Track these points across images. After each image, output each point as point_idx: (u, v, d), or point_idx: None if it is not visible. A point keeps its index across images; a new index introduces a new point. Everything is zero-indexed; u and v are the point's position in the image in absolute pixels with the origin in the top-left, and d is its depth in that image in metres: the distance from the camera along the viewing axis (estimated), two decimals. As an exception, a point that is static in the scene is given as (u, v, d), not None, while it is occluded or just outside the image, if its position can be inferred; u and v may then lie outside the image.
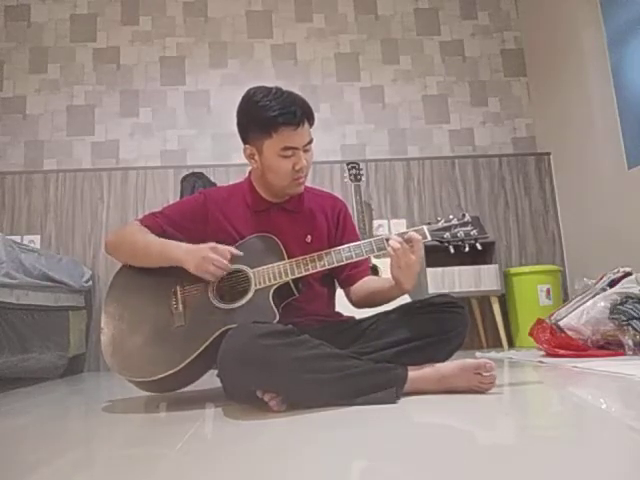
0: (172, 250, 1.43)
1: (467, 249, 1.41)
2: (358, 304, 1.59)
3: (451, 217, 1.41)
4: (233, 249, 1.42)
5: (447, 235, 1.38)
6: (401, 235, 1.35)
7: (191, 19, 3.58)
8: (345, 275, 1.59)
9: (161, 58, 3.53)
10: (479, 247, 1.41)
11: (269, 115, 1.38)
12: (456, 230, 1.38)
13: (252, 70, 3.52)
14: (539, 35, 3.50)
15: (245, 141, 1.50)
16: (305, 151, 1.45)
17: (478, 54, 3.66)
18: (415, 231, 1.36)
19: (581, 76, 3.05)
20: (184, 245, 1.43)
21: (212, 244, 1.40)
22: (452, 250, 1.41)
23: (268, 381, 1.21)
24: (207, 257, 1.37)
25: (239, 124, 1.49)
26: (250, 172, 1.61)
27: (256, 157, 1.48)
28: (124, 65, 3.50)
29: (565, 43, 3.19)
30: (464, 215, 1.41)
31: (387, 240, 1.36)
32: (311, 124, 1.46)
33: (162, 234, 1.52)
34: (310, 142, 1.46)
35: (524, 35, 3.68)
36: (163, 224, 1.53)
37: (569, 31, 3.13)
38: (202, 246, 1.40)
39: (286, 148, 1.41)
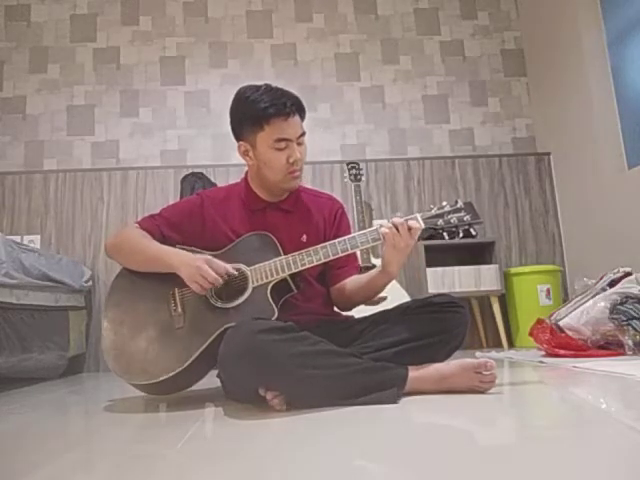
0: (168, 257, 1.43)
1: (461, 235, 1.42)
2: (340, 303, 1.60)
3: (444, 204, 1.42)
4: (229, 268, 1.40)
5: (440, 222, 1.39)
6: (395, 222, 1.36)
7: (191, 19, 3.58)
8: (333, 273, 1.59)
9: (161, 58, 3.53)
10: (473, 232, 1.42)
11: (260, 107, 1.41)
12: (449, 217, 1.39)
13: (252, 70, 3.52)
14: (539, 35, 3.50)
15: (239, 138, 1.51)
16: (298, 144, 1.46)
17: (478, 54, 3.66)
18: (408, 219, 1.37)
19: (581, 76, 3.05)
20: (181, 253, 1.44)
21: (207, 257, 1.40)
22: (446, 237, 1.42)
23: (268, 377, 1.21)
24: (200, 268, 1.36)
25: (232, 122, 1.52)
26: (246, 172, 1.62)
27: (250, 153, 1.50)
28: (124, 65, 3.50)
29: (565, 43, 3.19)
30: (456, 201, 1.42)
31: (380, 227, 1.37)
32: (302, 117, 1.48)
33: (160, 236, 1.53)
34: (303, 135, 1.47)
35: (524, 35, 3.68)
36: (161, 226, 1.54)
37: (569, 31, 3.13)
38: (198, 256, 1.40)
39: (279, 140, 1.43)
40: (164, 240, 1.52)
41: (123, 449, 1.02)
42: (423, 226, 1.37)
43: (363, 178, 3.06)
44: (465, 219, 1.39)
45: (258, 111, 1.41)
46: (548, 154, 3.47)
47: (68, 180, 3.28)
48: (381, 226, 1.37)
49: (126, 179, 3.30)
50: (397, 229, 1.34)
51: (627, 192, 2.73)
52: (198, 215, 1.55)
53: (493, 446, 0.87)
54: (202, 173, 3.19)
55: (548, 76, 3.41)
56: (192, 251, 1.50)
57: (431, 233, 1.44)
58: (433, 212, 1.41)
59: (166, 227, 1.54)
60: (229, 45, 3.56)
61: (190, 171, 3.21)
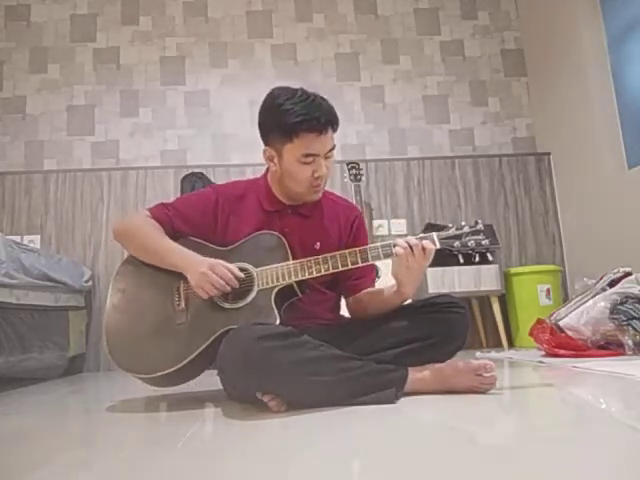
0: (175, 259, 1.42)
1: (477, 259, 1.38)
2: (356, 313, 1.56)
3: (463, 224, 1.37)
4: (235, 270, 1.37)
5: (457, 244, 1.35)
6: (410, 241, 1.31)
7: (191, 19, 3.58)
8: (349, 284, 1.55)
9: (161, 58, 3.53)
10: (490, 258, 1.38)
11: (292, 120, 1.34)
12: (467, 239, 1.35)
13: (252, 70, 3.52)
14: (539, 35, 3.50)
15: (266, 143, 1.46)
16: (326, 158, 1.41)
17: (478, 54, 3.66)
18: (424, 238, 1.33)
19: (581, 76, 3.04)
20: (188, 254, 1.41)
21: (212, 261, 1.36)
22: (461, 260, 1.38)
23: (268, 383, 1.21)
24: (206, 274, 1.34)
25: (261, 125, 1.46)
26: (267, 170, 1.57)
27: (275, 160, 1.45)
28: (124, 65, 3.50)
29: (565, 43, 3.19)
30: (477, 222, 1.37)
31: (394, 246, 1.33)
32: (335, 130, 1.41)
33: (171, 228, 1.50)
34: (332, 149, 1.42)
35: (524, 35, 3.68)
36: (173, 217, 1.51)
37: (569, 31, 3.13)
38: (204, 261, 1.37)
39: (307, 155, 1.38)
40: (174, 232, 1.50)
41: (123, 449, 1.02)
42: (438, 246, 1.33)
43: (363, 178, 3.06)
44: (483, 243, 1.34)
45: (289, 124, 1.34)
46: (548, 154, 3.47)
47: (68, 180, 3.28)
48: (395, 245, 1.32)
49: (126, 179, 3.30)
50: (411, 249, 1.29)
51: (627, 192, 2.73)
52: (211, 211, 1.52)
53: (493, 446, 0.87)
54: (202, 173, 3.19)
55: (548, 76, 3.41)
56: (201, 245, 1.48)
57: (446, 254, 1.38)
58: (451, 232, 1.36)
59: (178, 219, 1.51)
60: (229, 45, 3.56)
61: (190, 171, 3.20)
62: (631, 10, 2.75)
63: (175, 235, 1.50)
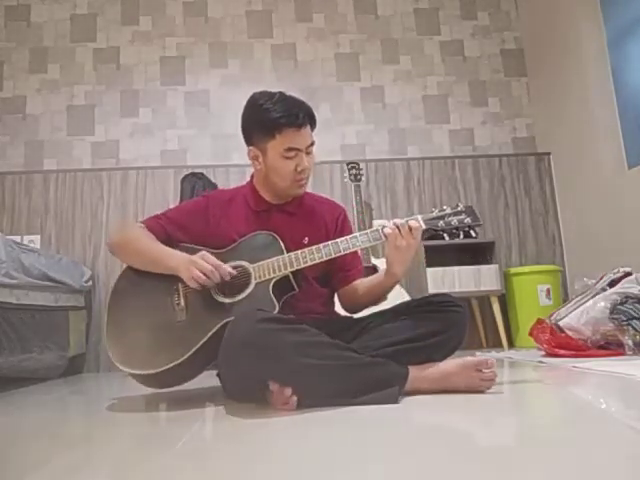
0: (168, 260, 1.45)
1: (462, 236, 1.47)
2: (349, 304, 1.62)
3: (445, 207, 1.47)
4: (228, 268, 1.41)
5: (441, 223, 1.44)
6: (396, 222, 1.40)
7: (191, 19, 3.58)
8: (341, 275, 1.61)
9: (161, 58, 3.53)
10: (474, 234, 1.47)
11: (273, 117, 1.43)
12: (450, 219, 1.44)
13: (252, 70, 3.52)
14: (539, 35, 3.50)
15: (249, 143, 1.54)
16: (307, 153, 1.50)
17: (478, 54, 3.66)
18: (409, 220, 1.40)
19: (581, 76, 3.04)
20: (179, 255, 1.45)
21: (202, 252, 1.41)
22: (447, 237, 1.46)
23: (268, 367, 1.21)
24: (195, 262, 1.38)
25: (244, 127, 1.54)
26: (252, 175, 1.64)
27: (260, 159, 1.52)
28: (124, 65, 3.50)
29: (565, 43, 3.19)
30: (457, 205, 1.47)
31: (382, 228, 1.41)
32: (313, 127, 1.52)
33: (165, 236, 1.54)
34: (312, 144, 1.51)
35: (524, 35, 3.68)
36: (166, 226, 1.56)
37: (569, 31, 3.13)
38: (194, 255, 1.41)
39: (289, 149, 1.46)
40: (169, 239, 1.54)
41: (123, 449, 1.02)
42: (424, 226, 1.41)
43: (363, 178, 3.06)
44: (466, 221, 1.44)
45: (271, 120, 1.44)
46: (548, 154, 3.47)
47: (68, 180, 3.28)
48: (383, 227, 1.41)
49: (126, 179, 3.30)
50: (398, 229, 1.37)
51: (627, 192, 2.73)
52: (202, 215, 1.58)
53: (493, 447, 0.87)
54: (202, 173, 3.19)
55: (548, 76, 3.41)
56: (195, 249, 1.50)
57: (432, 234, 1.49)
58: (434, 214, 1.45)
59: (170, 226, 1.56)
60: (229, 45, 3.56)
61: (190, 171, 3.21)
62: (631, 10, 2.75)
63: (170, 243, 1.53)
